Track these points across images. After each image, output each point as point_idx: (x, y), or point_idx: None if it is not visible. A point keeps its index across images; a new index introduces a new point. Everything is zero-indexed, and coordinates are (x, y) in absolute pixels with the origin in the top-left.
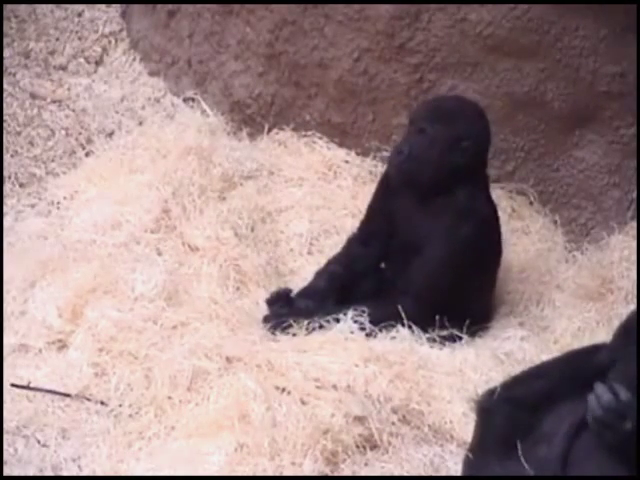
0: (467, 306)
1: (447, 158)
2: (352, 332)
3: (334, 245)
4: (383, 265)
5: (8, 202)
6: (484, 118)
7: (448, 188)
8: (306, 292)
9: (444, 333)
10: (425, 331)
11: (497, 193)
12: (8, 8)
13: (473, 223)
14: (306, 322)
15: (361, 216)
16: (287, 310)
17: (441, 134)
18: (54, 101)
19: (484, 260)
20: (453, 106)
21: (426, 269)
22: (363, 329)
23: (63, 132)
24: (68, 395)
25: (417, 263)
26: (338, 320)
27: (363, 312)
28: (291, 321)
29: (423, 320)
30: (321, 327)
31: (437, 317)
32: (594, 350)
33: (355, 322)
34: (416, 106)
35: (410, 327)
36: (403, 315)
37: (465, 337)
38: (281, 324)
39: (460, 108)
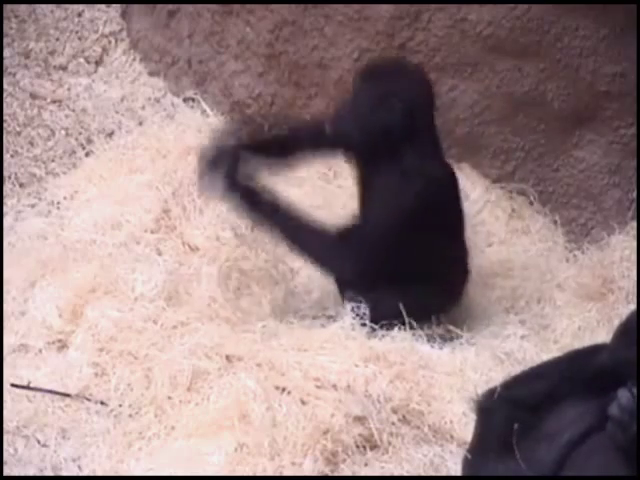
0: (412, 274)
1: (375, 116)
2: (353, 329)
3: None
4: None
5: (8, 202)
6: (420, 78)
7: (393, 152)
8: None
9: (441, 331)
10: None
11: (497, 193)
12: (8, 8)
13: (419, 183)
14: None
15: None
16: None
17: (368, 92)
18: (54, 101)
19: (432, 225)
20: (385, 66)
21: (363, 226)
22: (364, 325)
23: (63, 132)
24: (68, 395)
25: (356, 223)
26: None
27: (361, 301)
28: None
29: (364, 285)
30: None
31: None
32: (594, 350)
33: (357, 316)
34: None
35: (411, 325)
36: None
37: (465, 336)
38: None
39: (392, 68)
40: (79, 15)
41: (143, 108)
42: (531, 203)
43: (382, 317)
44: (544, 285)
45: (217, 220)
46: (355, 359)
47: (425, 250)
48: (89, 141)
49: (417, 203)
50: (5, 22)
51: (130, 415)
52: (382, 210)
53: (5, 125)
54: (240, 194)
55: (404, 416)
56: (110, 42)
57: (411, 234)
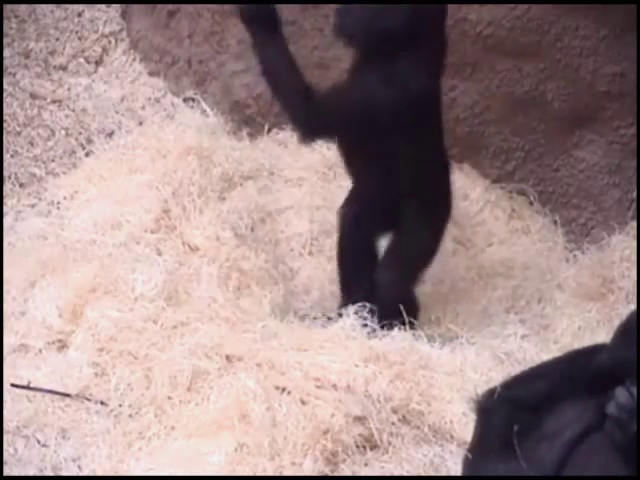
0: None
1: (380, 18)
2: (353, 329)
3: (334, 245)
4: None
5: (8, 202)
6: None
7: (390, 55)
8: None
9: (441, 331)
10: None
11: (497, 193)
12: (8, 8)
13: (398, 89)
14: None
15: None
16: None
17: None
18: (54, 101)
19: (403, 134)
20: None
21: (333, 95)
22: (366, 325)
23: (63, 132)
24: (68, 395)
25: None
26: (340, 315)
27: (365, 307)
28: None
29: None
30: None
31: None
32: (594, 350)
33: (358, 317)
34: None
35: (411, 325)
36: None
37: (465, 336)
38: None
39: None
40: (79, 15)
41: (143, 108)
42: (531, 203)
43: (388, 301)
44: (544, 285)
45: (217, 220)
46: (355, 359)
47: (398, 161)
48: (89, 141)
49: (387, 104)
50: (5, 22)
51: (130, 415)
52: (355, 93)
53: (5, 125)
54: (262, 23)
55: (404, 416)
56: (110, 42)
57: (379, 135)
